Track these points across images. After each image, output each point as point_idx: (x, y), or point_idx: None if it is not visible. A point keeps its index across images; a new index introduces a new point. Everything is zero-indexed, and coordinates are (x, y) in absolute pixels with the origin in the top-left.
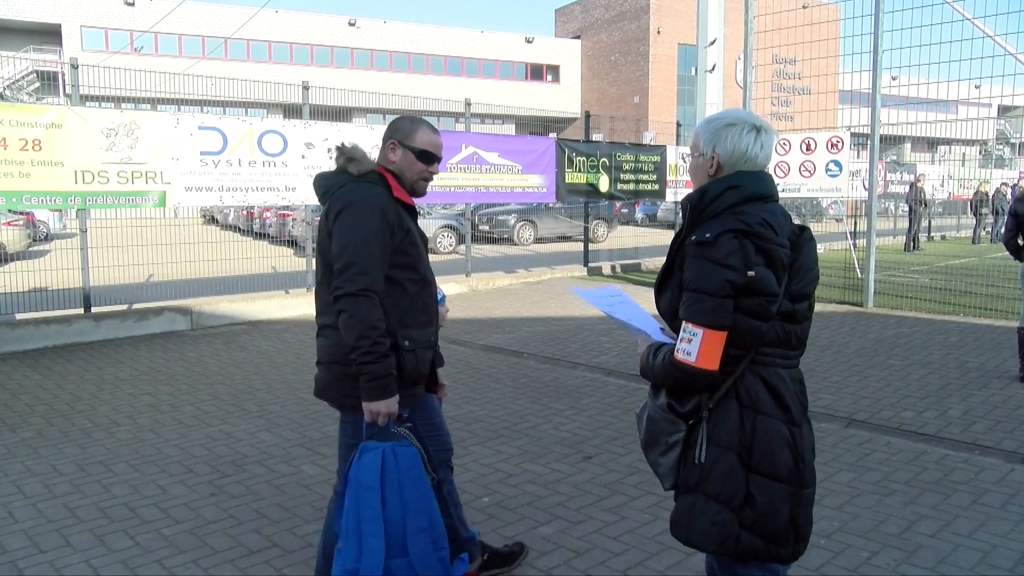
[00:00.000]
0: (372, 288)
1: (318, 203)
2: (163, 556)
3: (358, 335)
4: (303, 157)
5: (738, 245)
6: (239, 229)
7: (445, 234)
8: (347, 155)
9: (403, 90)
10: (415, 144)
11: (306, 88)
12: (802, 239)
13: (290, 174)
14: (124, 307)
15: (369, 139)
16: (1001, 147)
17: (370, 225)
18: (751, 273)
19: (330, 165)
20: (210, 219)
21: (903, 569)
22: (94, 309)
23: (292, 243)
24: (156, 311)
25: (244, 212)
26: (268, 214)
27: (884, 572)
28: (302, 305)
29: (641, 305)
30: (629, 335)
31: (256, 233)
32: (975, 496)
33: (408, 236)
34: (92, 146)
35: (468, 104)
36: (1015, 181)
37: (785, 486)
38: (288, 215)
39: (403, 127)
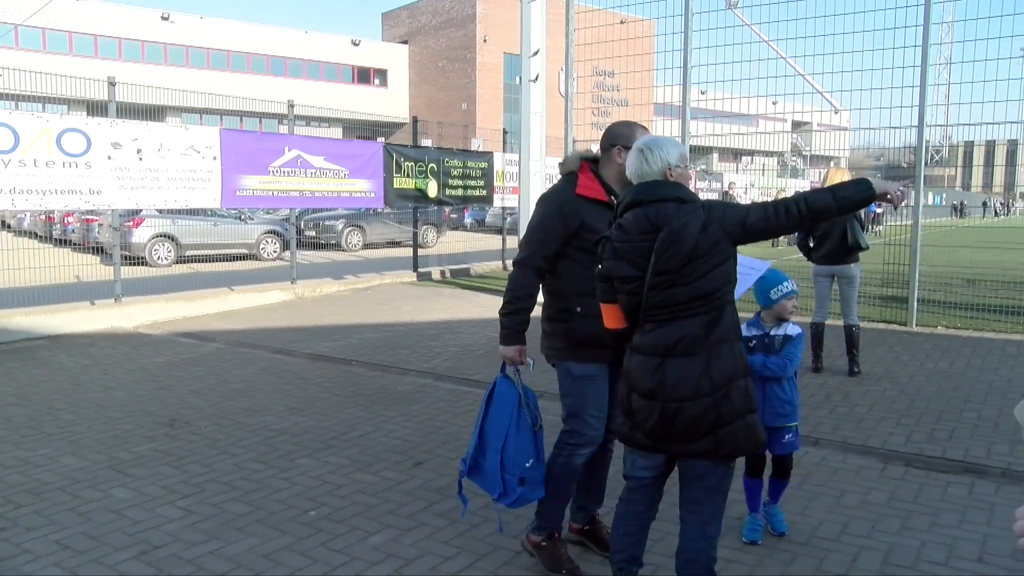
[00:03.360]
0: (525, 263)
1: (125, 208)
2: None
3: (506, 293)
4: (110, 158)
5: (602, 247)
6: (37, 235)
7: (269, 240)
8: (563, 160)
9: (222, 89)
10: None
11: (112, 84)
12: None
13: (95, 176)
14: None
15: (184, 140)
16: (795, 159)
17: (544, 212)
18: (599, 267)
19: (139, 167)
20: (1, 224)
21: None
22: None
23: (99, 250)
24: None
25: (42, 217)
26: (71, 219)
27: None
28: (110, 317)
29: None
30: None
31: (57, 240)
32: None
33: (583, 225)
34: None
35: (291, 105)
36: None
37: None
38: (93, 220)
39: (623, 132)
